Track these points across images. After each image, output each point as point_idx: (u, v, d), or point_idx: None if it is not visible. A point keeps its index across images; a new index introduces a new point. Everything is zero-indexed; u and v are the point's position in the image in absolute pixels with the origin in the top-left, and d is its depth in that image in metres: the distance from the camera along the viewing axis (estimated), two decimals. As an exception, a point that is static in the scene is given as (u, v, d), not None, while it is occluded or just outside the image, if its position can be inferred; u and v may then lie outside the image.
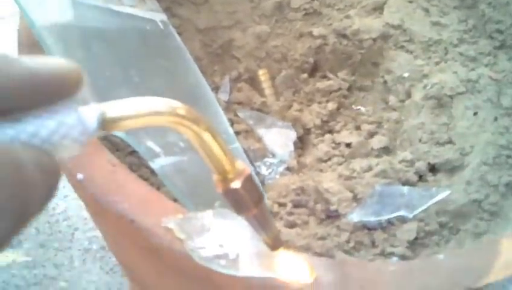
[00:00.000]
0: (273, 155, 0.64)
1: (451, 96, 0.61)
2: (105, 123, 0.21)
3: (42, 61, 0.20)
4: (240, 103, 0.70)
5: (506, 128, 0.57)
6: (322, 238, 0.53)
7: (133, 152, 0.54)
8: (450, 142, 0.60)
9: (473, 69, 0.63)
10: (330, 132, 0.68)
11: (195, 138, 0.27)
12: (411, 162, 0.59)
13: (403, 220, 0.54)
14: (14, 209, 0.18)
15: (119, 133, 0.44)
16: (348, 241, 0.52)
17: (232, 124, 0.66)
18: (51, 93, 0.20)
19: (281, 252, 0.37)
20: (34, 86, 0.19)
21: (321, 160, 0.63)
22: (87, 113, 0.21)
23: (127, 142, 0.46)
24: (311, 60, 0.72)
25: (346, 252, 0.51)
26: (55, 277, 0.82)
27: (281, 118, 0.68)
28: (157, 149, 0.47)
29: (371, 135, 0.65)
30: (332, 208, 0.55)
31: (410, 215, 0.54)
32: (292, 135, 0.66)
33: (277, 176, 0.62)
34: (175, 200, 0.45)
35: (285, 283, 0.36)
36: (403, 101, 0.66)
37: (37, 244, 0.85)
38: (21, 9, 0.42)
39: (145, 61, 0.57)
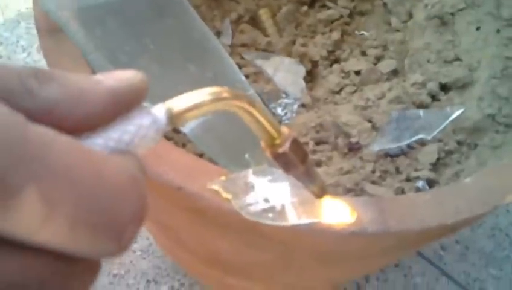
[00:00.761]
0: (286, 94, 0.67)
1: (452, 14, 0.64)
2: (172, 118, 0.24)
3: (118, 78, 0.23)
4: (244, 45, 0.72)
5: (510, 39, 0.60)
6: (348, 172, 0.57)
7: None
8: (457, 59, 0.63)
9: (470, -17, 0.65)
10: (337, 61, 0.71)
11: (243, 113, 0.30)
12: (422, 84, 0.62)
13: (422, 143, 0.58)
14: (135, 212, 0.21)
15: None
16: (373, 172, 0.57)
17: (240, 68, 0.69)
18: (129, 104, 0.23)
19: (324, 198, 0.41)
20: (116, 102, 0.22)
21: (333, 91, 0.67)
22: (158, 112, 0.24)
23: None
24: (309, -9, 0.74)
25: (373, 183, 0.56)
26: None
27: (287, 55, 0.71)
28: None
29: (378, 59, 0.69)
30: (353, 140, 0.59)
31: (429, 137, 0.58)
32: (301, 70, 0.69)
33: (293, 115, 0.65)
34: (207, 158, 0.48)
35: (329, 225, 0.40)
36: (405, 22, 0.69)
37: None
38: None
39: (154, 25, 0.59)
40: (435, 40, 0.65)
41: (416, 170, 0.56)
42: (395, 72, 0.67)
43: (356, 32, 0.73)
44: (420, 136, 0.58)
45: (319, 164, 0.59)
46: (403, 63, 0.67)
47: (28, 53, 0.99)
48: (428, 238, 0.48)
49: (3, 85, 0.19)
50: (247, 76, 0.68)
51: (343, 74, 0.68)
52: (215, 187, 0.40)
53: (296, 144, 0.34)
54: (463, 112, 0.58)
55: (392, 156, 0.58)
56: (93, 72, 0.47)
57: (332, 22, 0.73)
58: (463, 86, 0.61)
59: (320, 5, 0.75)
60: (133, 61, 0.52)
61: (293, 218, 0.39)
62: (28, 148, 0.17)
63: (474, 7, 0.64)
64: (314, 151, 0.60)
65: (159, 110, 0.24)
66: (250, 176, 0.41)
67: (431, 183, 0.55)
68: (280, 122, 0.65)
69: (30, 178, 0.17)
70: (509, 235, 0.86)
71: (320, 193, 0.39)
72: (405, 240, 0.44)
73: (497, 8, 0.63)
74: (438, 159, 0.57)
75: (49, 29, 0.49)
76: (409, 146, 0.58)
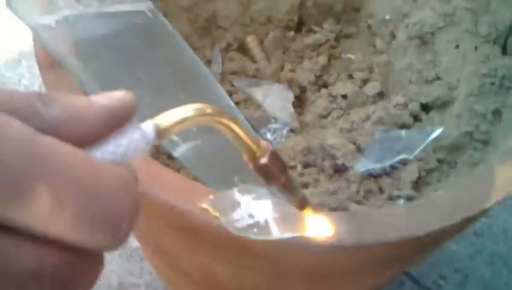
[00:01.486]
0: (275, 120, 0.71)
1: (432, 33, 0.68)
2: (159, 132, 0.28)
3: (110, 97, 0.27)
4: (234, 73, 0.77)
5: (487, 56, 0.64)
6: (334, 193, 0.60)
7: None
8: (437, 78, 0.67)
9: (448, 2, 0.69)
10: (325, 85, 0.75)
11: (225, 129, 0.34)
12: (404, 105, 0.66)
13: (404, 162, 0.62)
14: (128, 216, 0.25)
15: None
16: (357, 192, 0.60)
17: (230, 95, 0.73)
18: (121, 120, 0.27)
19: (305, 214, 0.44)
20: (110, 118, 0.26)
21: (321, 116, 0.71)
22: (146, 127, 0.28)
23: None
24: (295, 17, 0.78)
25: (357, 202, 0.59)
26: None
27: (276, 81, 0.75)
28: (175, 138, 0.55)
29: (364, 81, 0.72)
30: (339, 162, 0.63)
31: (411, 157, 0.61)
32: (290, 96, 0.73)
33: (283, 140, 0.69)
34: (196, 179, 0.53)
35: (309, 239, 0.44)
36: (389, 43, 0.73)
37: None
38: (34, 33, 0.48)
39: (146, 56, 0.63)
40: (416, 60, 0.68)
41: (398, 189, 0.60)
42: (380, 94, 0.71)
43: (343, 55, 0.77)
44: (402, 156, 0.61)
45: (306, 185, 0.62)
46: (387, 84, 0.71)
47: (30, 92, 1.04)
48: (407, 253, 0.51)
49: (14, 107, 0.23)
50: (237, 103, 0.72)
51: (330, 98, 0.72)
52: (205, 205, 0.44)
53: (274, 156, 0.38)
54: (443, 131, 0.61)
55: (375, 176, 0.62)
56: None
57: (319, 46, 0.77)
58: (443, 104, 0.65)
59: (307, 30, 0.79)
60: (127, 90, 0.56)
61: (276, 232, 0.42)
62: (37, 153, 0.21)
63: (453, 25, 0.68)
64: (301, 174, 0.64)
65: (148, 126, 0.28)
66: (236, 194, 0.44)
67: (411, 201, 0.59)
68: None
69: (40, 178, 0.21)
70: (508, 263, 0.88)
71: (301, 204, 0.44)
72: (382, 254, 0.48)
73: (475, 25, 0.66)
74: (419, 177, 0.60)
75: (50, 64, 0.54)
76: (392, 166, 0.62)
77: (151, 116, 0.29)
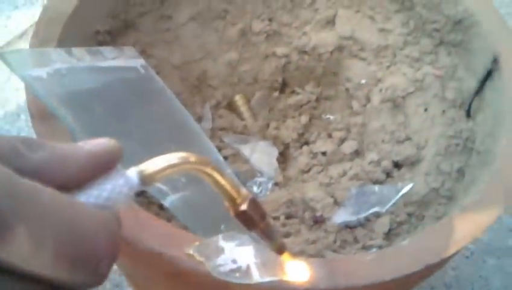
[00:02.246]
0: (261, 174, 0.78)
1: (403, 97, 0.76)
2: (143, 178, 0.30)
3: (94, 143, 0.28)
4: (223, 129, 0.84)
5: (453, 119, 0.71)
6: (313, 242, 0.67)
7: (140, 194, 0.68)
8: (408, 139, 0.74)
9: (418, 69, 0.77)
10: (307, 143, 0.82)
11: (207, 177, 0.36)
12: (378, 163, 0.73)
13: (377, 215, 0.69)
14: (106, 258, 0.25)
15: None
16: (335, 241, 0.67)
17: (219, 150, 0.79)
18: (105, 165, 0.28)
19: (283, 259, 0.47)
20: (94, 164, 0.27)
21: (303, 171, 0.78)
22: (131, 173, 0.29)
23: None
24: (279, 78, 0.86)
25: (334, 251, 0.66)
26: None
27: (262, 137, 0.83)
28: (165, 188, 0.57)
29: (342, 140, 0.80)
30: (318, 214, 0.70)
31: (383, 210, 0.68)
32: (274, 152, 0.80)
33: (268, 192, 0.76)
34: (185, 228, 0.58)
35: (288, 283, 0.48)
36: (364, 105, 0.81)
37: None
38: (27, 84, 0.48)
39: (137, 110, 0.64)
40: (389, 121, 0.76)
41: (371, 239, 0.67)
42: (356, 152, 0.78)
43: (323, 115, 0.85)
44: (375, 209, 0.69)
45: (288, 235, 0.69)
46: (362, 143, 0.79)
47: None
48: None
49: None
50: (226, 157, 0.79)
51: (311, 155, 0.80)
52: (191, 251, 0.48)
53: (254, 203, 0.41)
54: (412, 187, 0.69)
55: (351, 227, 0.69)
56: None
57: (301, 106, 0.85)
58: (412, 163, 0.72)
59: (290, 91, 0.87)
60: (118, 142, 0.59)
61: (257, 277, 0.46)
62: (17, 194, 0.22)
63: (423, 90, 0.76)
64: (284, 224, 0.70)
65: (132, 172, 0.29)
66: (221, 241, 0.48)
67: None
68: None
69: (19, 219, 0.21)
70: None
71: (280, 249, 0.47)
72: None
73: (443, 90, 0.74)
74: (390, 229, 0.67)
75: (41, 115, 0.56)
76: (366, 218, 0.69)
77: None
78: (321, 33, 0.85)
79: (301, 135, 0.83)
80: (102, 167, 0.28)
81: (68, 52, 0.53)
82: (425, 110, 0.74)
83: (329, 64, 0.84)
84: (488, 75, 0.67)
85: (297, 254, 0.65)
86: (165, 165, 0.31)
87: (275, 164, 0.79)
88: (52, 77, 0.50)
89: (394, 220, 0.68)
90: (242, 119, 0.85)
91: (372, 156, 0.74)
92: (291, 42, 0.86)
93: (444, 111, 0.73)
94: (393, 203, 0.68)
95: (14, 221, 0.21)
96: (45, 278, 0.23)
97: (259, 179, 0.78)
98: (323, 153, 0.79)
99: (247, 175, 0.78)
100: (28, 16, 1.27)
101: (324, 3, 0.86)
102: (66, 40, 0.62)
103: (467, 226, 0.54)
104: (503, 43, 0.67)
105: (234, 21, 0.86)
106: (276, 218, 0.71)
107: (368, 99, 0.80)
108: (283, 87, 0.88)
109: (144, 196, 0.68)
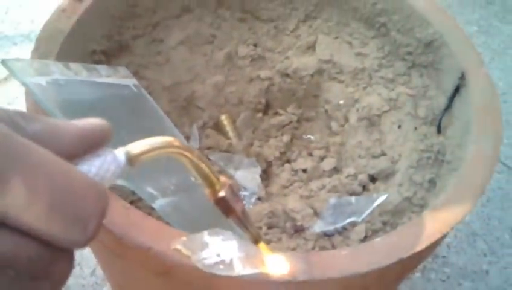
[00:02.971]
0: (245, 189, 0.82)
1: (379, 115, 0.81)
2: (130, 158, 0.31)
3: (86, 121, 0.29)
4: (209, 148, 0.88)
5: (425, 135, 0.77)
6: (293, 249, 0.71)
7: (134, 199, 0.72)
8: (382, 154, 0.79)
9: (392, 89, 0.82)
10: (288, 161, 0.87)
11: (189, 162, 0.38)
12: (355, 176, 0.78)
13: (354, 224, 0.73)
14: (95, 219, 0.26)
15: (126, 183, 0.56)
16: (313, 248, 0.71)
17: (206, 167, 0.84)
18: (95, 142, 0.29)
19: (264, 253, 0.51)
20: (86, 139, 0.28)
21: (284, 187, 0.83)
22: (118, 152, 0.31)
23: (131, 190, 0.59)
24: (263, 100, 0.91)
25: (313, 257, 0.70)
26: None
27: (246, 155, 0.87)
28: (154, 192, 0.60)
29: (322, 158, 0.85)
30: (298, 223, 0.74)
31: (359, 219, 0.73)
32: (258, 169, 0.85)
33: (251, 206, 0.80)
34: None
35: (268, 275, 0.50)
36: (342, 125, 0.86)
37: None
38: (28, 90, 0.50)
39: (128, 124, 0.66)
40: (365, 138, 0.81)
41: (348, 245, 0.71)
42: (335, 169, 0.83)
43: (303, 135, 0.90)
44: (352, 218, 0.73)
45: (269, 243, 0.73)
46: (341, 160, 0.84)
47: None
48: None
49: None
50: (212, 174, 0.83)
51: (292, 172, 0.85)
52: (178, 246, 0.50)
53: (232, 189, 0.44)
54: (387, 197, 0.73)
55: (329, 236, 0.73)
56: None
57: (283, 126, 0.90)
58: (387, 175, 0.77)
59: (273, 112, 0.92)
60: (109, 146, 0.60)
61: (239, 269, 0.49)
62: (15, 148, 0.23)
63: (397, 108, 0.81)
64: (266, 234, 0.75)
65: (120, 152, 0.31)
66: (206, 236, 0.50)
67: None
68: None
69: (16, 171, 0.23)
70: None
71: (256, 239, 0.52)
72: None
73: (415, 109, 0.79)
74: (365, 237, 0.71)
75: None
76: (343, 227, 0.73)
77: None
78: (302, 57, 0.91)
79: (283, 153, 0.88)
80: (92, 143, 0.29)
81: (66, 66, 0.56)
82: (399, 127, 0.80)
83: (309, 86, 0.90)
84: (456, 90, 0.72)
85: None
86: (151, 147, 0.33)
87: (258, 180, 0.84)
88: (51, 86, 0.52)
89: (370, 228, 0.72)
90: (227, 138, 0.90)
91: (350, 170, 0.79)
92: (274, 66, 0.92)
93: (416, 128, 0.78)
94: (369, 213, 0.73)
95: (11, 172, 0.22)
96: (38, 233, 0.24)
97: (243, 193, 0.82)
98: (304, 170, 0.84)
99: (232, 190, 0.82)
100: (26, 52, 1.31)
101: (305, 30, 0.92)
102: (63, 58, 0.66)
103: (436, 224, 0.57)
104: (469, 60, 0.72)
105: (221, 46, 0.91)
106: (258, 228, 0.75)
107: (346, 119, 0.85)
108: (266, 108, 0.93)
109: (135, 199, 0.71)
